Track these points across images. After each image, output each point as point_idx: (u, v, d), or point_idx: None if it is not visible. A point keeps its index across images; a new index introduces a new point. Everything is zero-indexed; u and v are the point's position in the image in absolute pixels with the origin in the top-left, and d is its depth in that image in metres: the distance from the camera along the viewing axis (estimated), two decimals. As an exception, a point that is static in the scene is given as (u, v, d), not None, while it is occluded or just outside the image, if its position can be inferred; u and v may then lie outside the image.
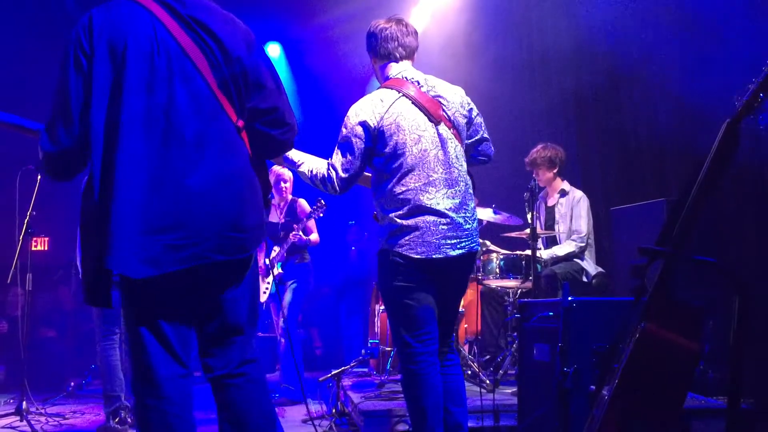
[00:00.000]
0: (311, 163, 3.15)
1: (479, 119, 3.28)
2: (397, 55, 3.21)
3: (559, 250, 5.37)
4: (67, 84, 2.12)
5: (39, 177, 4.98)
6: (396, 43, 3.20)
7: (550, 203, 5.66)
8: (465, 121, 3.20)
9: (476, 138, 3.28)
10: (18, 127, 2.41)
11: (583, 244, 5.36)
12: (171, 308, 2.20)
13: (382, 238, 3.10)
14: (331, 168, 3.10)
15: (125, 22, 2.14)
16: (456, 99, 3.17)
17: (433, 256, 2.98)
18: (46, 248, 7.78)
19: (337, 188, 3.11)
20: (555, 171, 5.54)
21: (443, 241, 3.00)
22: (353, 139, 3.05)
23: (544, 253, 5.37)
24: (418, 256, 2.98)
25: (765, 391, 3.88)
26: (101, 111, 2.10)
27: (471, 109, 3.24)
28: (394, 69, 3.21)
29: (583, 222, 5.39)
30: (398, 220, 3.01)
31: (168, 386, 2.16)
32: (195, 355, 2.29)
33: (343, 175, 3.08)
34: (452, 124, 3.12)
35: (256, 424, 2.23)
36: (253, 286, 2.35)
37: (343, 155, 3.08)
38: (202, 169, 2.12)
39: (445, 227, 3.00)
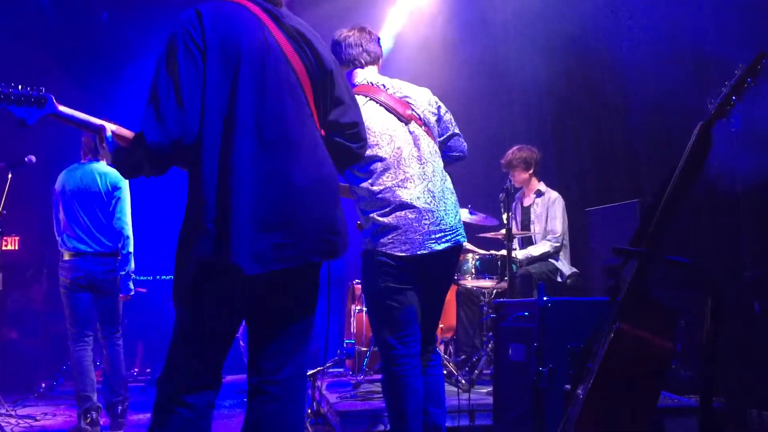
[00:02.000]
0: None
1: (448, 116, 3.31)
2: (362, 61, 3.25)
3: (534, 250, 5.40)
4: (177, 74, 2.04)
5: (10, 176, 4.91)
6: (360, 48, 3.24)
7: (526, 203, 5.70)
8: (435, 118, 3.23)
9: (447, 135, 3.31)
10: (80, 124, 2.35)
11: (558, 245, 5.40)
12: (233, 313, 2.17)
13: (366, 238, 3.09)
14: None
15: (237, 23, 2.16)
16: (423, 98, 3.21)
17: (418, 252, 2.98)
18: (16, 247, 7.67)
19: None
20: (530, 172, 5.58)
21: (427, 236, 3.00)
22: None
23: (519, 253, 5.40)
24: (403, 254, 2.98)
25: (737, 390, 3.93)
26: (215, 109, 2.08)
27: (439, 107, 3.28)
28: (360, 75, 3.24)
29: (558, 222, 5.43)
30: (380, 219, 3.02)
31: (194, 394, 2.12)
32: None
33: None
34: (423, 122, 3.15)
35: None
36: (315, 296, 2.31)
37: None
38: (306, 170, 2.15)
39: (427, 222, 3.01)
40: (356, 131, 2.42)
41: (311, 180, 2.16)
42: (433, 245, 3.00)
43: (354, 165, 2.64)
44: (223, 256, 2.01)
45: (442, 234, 3.04)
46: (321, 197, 2.18)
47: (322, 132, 2.30)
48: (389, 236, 2.99)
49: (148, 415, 2.21)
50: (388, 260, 3.00)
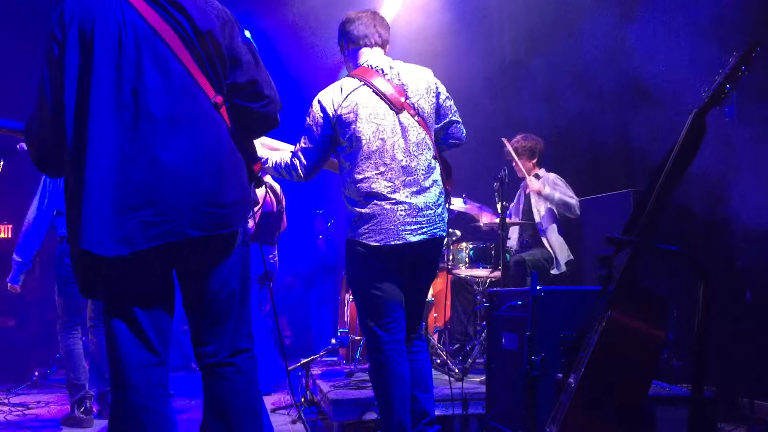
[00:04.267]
0: (277, 156, 3.21)
1: (449, 102, 3.29)
2: (372, 41, 3.25)
3: (564, 196, 5.29)
4: (42, 75, 2.15)
5: (1, 164, 4.88)
6: (373, 29, 3.26)
7: (528, 191, 5.68)
8: (431, 106, 3.20)
9: (445, 121, 3.29)
10: (12, 130, 2.64)
11: (576, 209, 5.30)
12: (148, 292, 2.17)
13: (347, 227, 3.13)
14: (295, 156, 3.16)
15: (93, 8, 2.14)
16: (421, 85, 3.18)
17: (392, 243, 3.02)
18: (9, 236, 7.64)
19: (302, 175, 3.17)
20: (534, 161, 5.56)
21: (402, 227, 3.02)
22: (314, 127, 3.12)
23: (546, 189, 5.31)
24: (377, 244, 3.02)
25: (728, 379, 3.95)
26: (72, 97, 2.10)
27: (438, 93, 3.25)
28: (364, 55, 3.24)
29: (568, 188, 5.39)
30: (357, 209, 3.06)
31: (135, 375, 2.12)
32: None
33: (305, 162, 3.15)
34: (416, 112, 3.13)
35: (240, 418, 2.20)
36: (243, 267, 2.28)
37: (306, 143, 3.14)
38: (175, 145, 2.09)
39: (403, 213, 3.03)
40: (255, 90, 2.26)
41: (184, 153, 2.10)
42: (408, 236, 3.03)
43: (271, 128, 2.43)
44: (78, 243, 2.04)
45: (418, 226, 3.05)
46: (199, 169, 2.11)
47: (218, 99, 2.20)
48: (365, 226, 3.03)
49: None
50: (365, 250, 3.04)
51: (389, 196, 3.02)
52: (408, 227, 3.03)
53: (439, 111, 3.26)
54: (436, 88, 3.24)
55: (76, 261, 2.11)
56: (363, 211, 3.04)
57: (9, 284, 4.80)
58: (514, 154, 5.45)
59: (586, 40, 5.78)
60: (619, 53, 5.40)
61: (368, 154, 3.04)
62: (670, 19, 4.82)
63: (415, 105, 3.13)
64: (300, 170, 3.15)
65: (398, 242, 3.02)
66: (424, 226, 3.06)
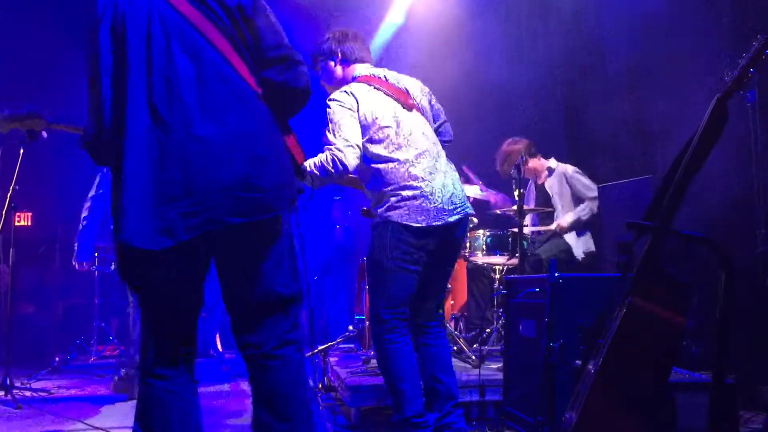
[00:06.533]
0: (308, 161, 3.13)
1: (438, 105, 3.53)
2: (365, 57, 3.46)
3: (581, 213, 5.35)
4: (87, 71, 2.15)
5: (22, 151, 4.92)
6: (368, 53, 3.49)
7: (540, 182, 5.66)
8: (429, 106, 3.45)
9: (439, 122, 3.51)
10: (67, 127, 2.60)
11: (597, 203, 5.34)
12: (184, 284, 2.18)
13: (380, 211, 3.16)
14: (334, 149, 3.11)
15: (123, 2, 2.15)
16: (417, 87, 3.44)
17: (433, 224, 3.12)
18: (29, 223, 7.72)
19: (348, 164, 3.12)
20: (527, 160, 5.48)
21: (441, 209, 3.14)
22: (345, 115, 3.17)
23: (568, 217, 5.34)
24: (418, 225, 3.10)
25: (747, 366, 3.92)
26: (109, 92, 2.11)
27: (431, 98, 3.50)
28: (357, 70, 3.42)
29: (589, 181, 5.39)
30: (395, 192, 3.13)
31: (166, 366, 2.16)
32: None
33: (346, 151, 3.10)
34: (421, 111, 3.36)
35: (289, 407, 2.16)
36: (290, 254, 2.24)
37: (340, 132, 3.13)
38: (209, 132, 2.07)
39: (440, 196, 3.16)
40: (281, 53, 2.20)
41: (218, 139, 2.06)
42: (446, 217, 3.16)
43: (303, 104, 2.33)
44: (119, 235, 2.04)
45: (453, 206, 3.20)
46: (231, 155, 2.07)
47: (254, 81, 2.17)
48: (405, 208, 3.11)
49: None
50: (403, 231, 3.09)
51: (426, 178, 3.15)
52: (446, 208, 3.16)
53: (432, 112, 3.47)
54: (429, 93, 3.49)
55: (118, 252, 2.13)
56: (403, 194, 3.12)
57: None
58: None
59: (603, 23, 5.72)
60: (638, 35, 5.34)
61: (398, 144, 3.18)
62: (692, 4, 4.75)
63: (418, 104, 3.36)
64: (345, 160, 3.09)
65: (438, 223, 3.13)
66: (458, 206, 3.23)
